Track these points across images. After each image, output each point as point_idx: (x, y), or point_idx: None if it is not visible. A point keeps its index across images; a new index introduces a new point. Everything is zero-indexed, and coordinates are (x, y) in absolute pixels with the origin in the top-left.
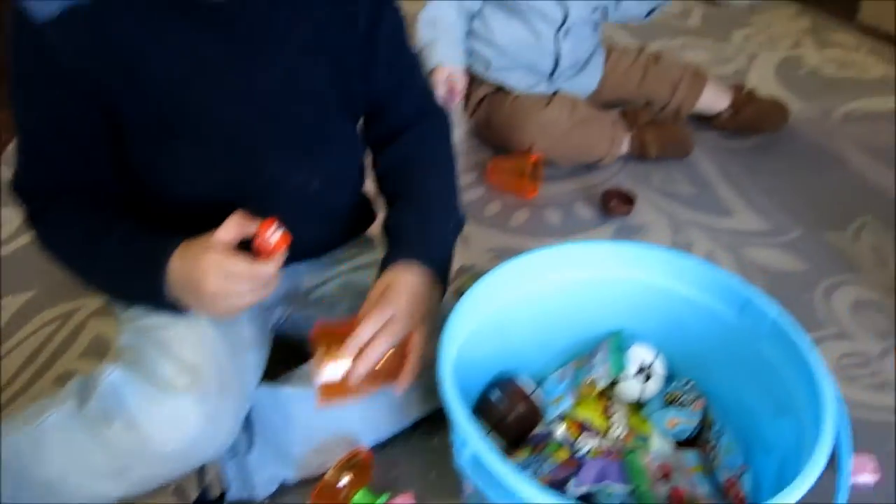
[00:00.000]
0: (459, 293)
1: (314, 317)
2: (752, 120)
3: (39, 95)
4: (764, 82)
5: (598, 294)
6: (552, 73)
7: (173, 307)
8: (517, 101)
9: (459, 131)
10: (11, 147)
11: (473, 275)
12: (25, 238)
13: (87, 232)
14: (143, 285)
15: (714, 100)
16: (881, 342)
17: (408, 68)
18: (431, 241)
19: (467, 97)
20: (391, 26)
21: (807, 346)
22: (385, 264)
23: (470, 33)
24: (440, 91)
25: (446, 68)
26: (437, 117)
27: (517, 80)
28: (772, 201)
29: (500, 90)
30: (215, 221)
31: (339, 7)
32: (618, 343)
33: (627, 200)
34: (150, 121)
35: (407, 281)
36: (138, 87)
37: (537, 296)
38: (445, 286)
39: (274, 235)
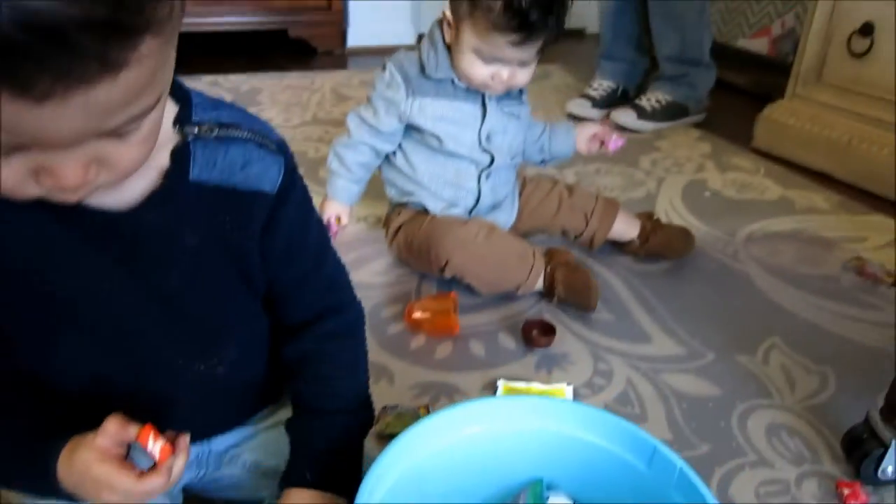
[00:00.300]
0: (382, 435)
1: (231, 476)
2: (659, 248)
3: None
4: (672, 205)
5: (516, 446)
6: (471, 210)
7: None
8: (435, 220)
9: (383, 262)
10: None
11: (397, 414)
12: None
13: None
14: (35, 487)
15: (625, 228)
16: (797, 468)
17: (312, 262)
18: (331, 464)
19: (386, 225)
20: (290, 223)
21: (710, 495)
22: (283, 483)
23: (388, 165)
24: (326, 223)
25: (335, 204)
26: (345, 312)
27: (434, 205)
28: (684, 326)
29: (417, 214)
30: (113, 407)
31: (234, 211)
32: (537, 493)
33: (548, 331)
34: (35, 322)
35: None
36: (20, 290)
37: (455, 450)
38: (350, 495)
39: (154, 448)
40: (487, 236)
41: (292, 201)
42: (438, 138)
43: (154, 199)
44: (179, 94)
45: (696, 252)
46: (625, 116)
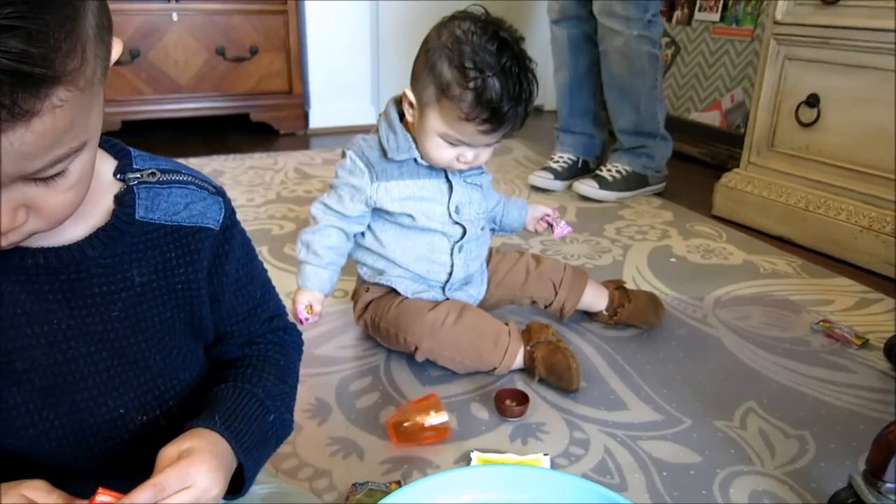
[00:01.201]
0: None
1: None
2: (630, 319)
3: None
4: (639, 271)
5: None
6: (444, 285)
7: None
8: (403, 303)
9: (351, 335)
10: None
11: (368, 492)
12: None
13: None
14: None
15: (594, 299)
16: None
17: (258, 294)
18: (241, 426)
19: (355, 300)
20: (238, 258)
21: None
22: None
23: (357, 245)
24: (298, 312)
25: (307, 293)
26: (288, 331)
27: (406, 287)
28: (660, 392)
29: (387, 293)
30: (51, 462)
31: (182, 247)
32: None
33: (522, 400)
34: None
35: (210, 448)
36: None
37: None
38: (245, 469)
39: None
40: (458, 319)
41: (236, 238)
42: (410, 216)
43: (99, 236)
44: (118, 149)
45: (668, 317)
46: (587, 187)
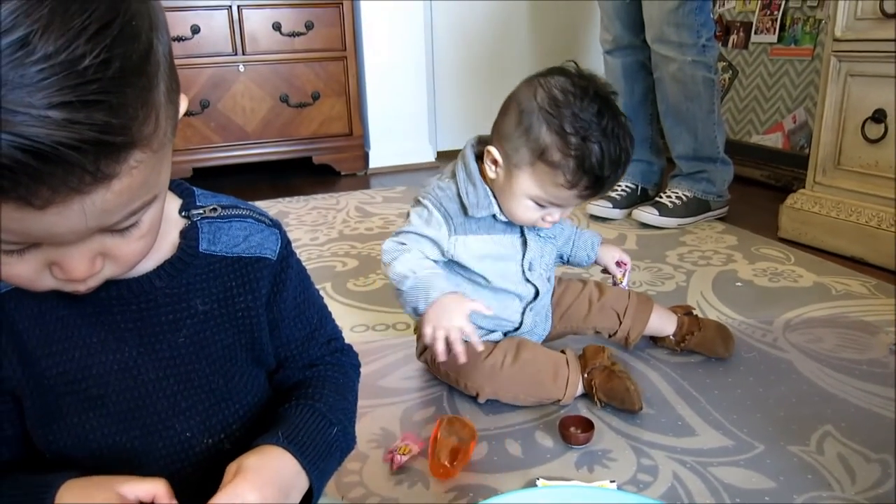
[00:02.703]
0: None
1: None
2: (697, 346)
3: None
4: (704, 297)
5: None
6: (507, 333)
7: None
8: (465, 346)
9: (412, 367)
10: None
11: None
12: None
13: None
14: None
15: (661, 324)
16: None
17: (315, 319)
18: (306, 440)
19: (417, 336)
20: (297, 281)
21: None
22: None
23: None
24: (451, 340)
25: (439, 303)
26: (345, 353)
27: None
28: (729, 417)
29: None
30: None
31: (242, 277)
32: None
33: (587, 427)
34: (49, 401)
35: (264, 463)
36: (37, 373)
37: None
38: (312, 481)
39: None
40: (515, 359)
41: (292, 266)
42: (485, 278)
43: (166, 267)
44: (182, 189)
45: (735, 342)
46: (647, 214)
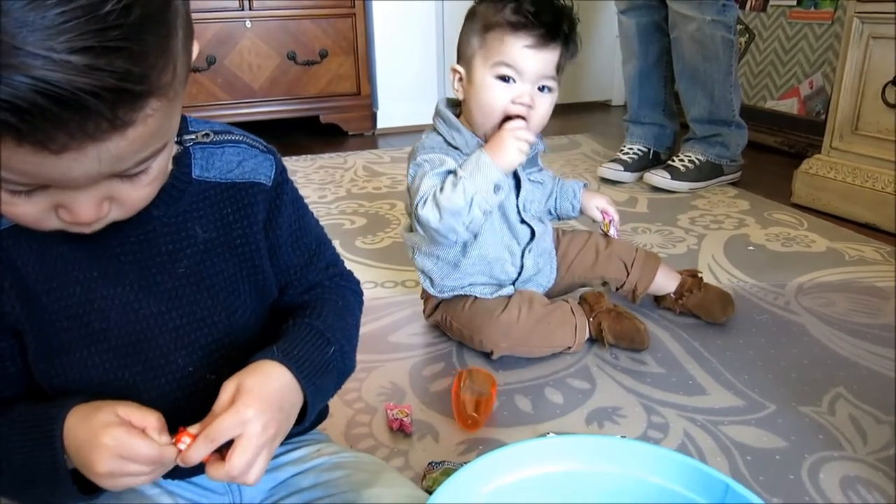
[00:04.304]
0: (430, 491)
1: None
2: (695, 307)
3: None
4: (715, 260)
5: (577, 489)
6: (514, 282)
7: (80, 487)
8: (475, 303)
9: (420, 324)
10: None
11: (445, 470)
12: None
13: None
14: (42, 452)
15: (665, 282)
16: None
17: (313, 244)
18: (303, 355)
19: (424, 299)
20: (293, 207)
21: None
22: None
23: (426, 256)
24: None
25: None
26: (344, 278)
27: (480, 292)
28: (740, 378)
29: (458, 296)
30: None
31: (237, 203)
32: None
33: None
34: (50, 336)
35: (264, 382)
36: (38, 308)
37: (512, 492)
38: (306, 396)
39: (182, 444)
40: (529, 313)
41: (288, 193)
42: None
43: (161, 197)
44: None
45: (746, 304)
46: (658, 177)
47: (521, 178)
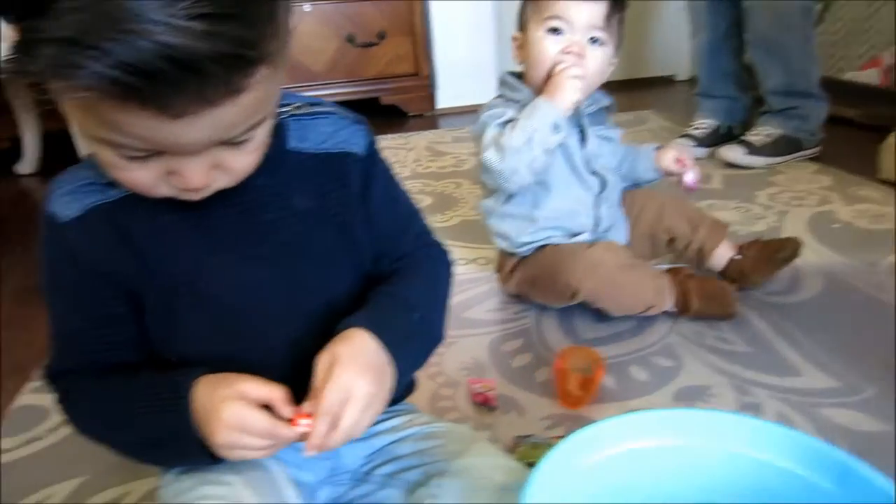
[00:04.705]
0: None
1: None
2: (734, 272)
3: (64, 284)
4: (799, 238)
5: (680, 465)
6: (591, 231)
7: (205, 451)
8: (559, 248)
9: (495, 300)
10: None
11: (532, 444)
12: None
13: (108, 388)
14: (170, 416)
15: (729, 252)
16: None
17: (405, 213)
18: (380, 314)
19: (501, 265)
20: (385, 177)
21: None
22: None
23: (499, 215)
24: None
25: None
26: (433, 247)
27: (558, 239)
28: (835, 359)
29: (536, 249)
30: None
31: (333, 173)
32: None
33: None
34: (162, 302)
35: (357, 349)
36: (149, 274)
37: (614, 468)
38: (399, 368)
39: (302, 427)
40: (615, 256)
41: (380, 162)
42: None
43: (262, 166)
44: None
45: (836, 284)
46: (733, 153)
47: (586, 130)
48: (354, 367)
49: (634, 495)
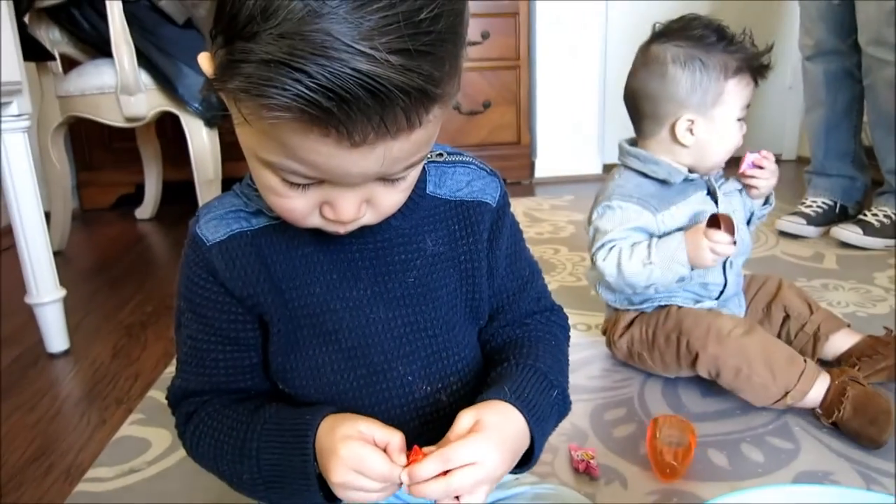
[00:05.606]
0: None
1: None
2: (871, 373)
3: (201, 303)
4: None
5: None
6: (718, 297)
7: (322, 493)
8: (682, 310)
9: (598, 366)
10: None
11: None
12: (176, 455)
13: (231, 419)
14: (294, 456)
15: (847, 339)
16: None
17: (528, 270)
18: (527, 390)
19: (611, 326)
20: (511, 231)
21: None
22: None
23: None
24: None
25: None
26: (554, 312)
27: (683, 300)
28: None
29: (656, 309)
30: None
31: (465, 220)
32: None
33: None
34: (288, 331)
35: (503, 422)
36: (282, 303)
37: None
38: (535, 440)
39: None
40: (746, 332)
41: (509, 215)
42: None
43: (401, 208)
44: None
45: None
46: (849, 233)
47: (717, 194)
48: (496, 438)
49: None
